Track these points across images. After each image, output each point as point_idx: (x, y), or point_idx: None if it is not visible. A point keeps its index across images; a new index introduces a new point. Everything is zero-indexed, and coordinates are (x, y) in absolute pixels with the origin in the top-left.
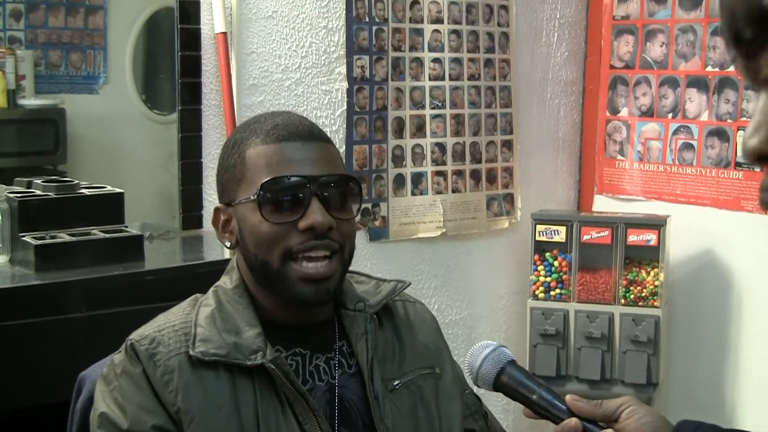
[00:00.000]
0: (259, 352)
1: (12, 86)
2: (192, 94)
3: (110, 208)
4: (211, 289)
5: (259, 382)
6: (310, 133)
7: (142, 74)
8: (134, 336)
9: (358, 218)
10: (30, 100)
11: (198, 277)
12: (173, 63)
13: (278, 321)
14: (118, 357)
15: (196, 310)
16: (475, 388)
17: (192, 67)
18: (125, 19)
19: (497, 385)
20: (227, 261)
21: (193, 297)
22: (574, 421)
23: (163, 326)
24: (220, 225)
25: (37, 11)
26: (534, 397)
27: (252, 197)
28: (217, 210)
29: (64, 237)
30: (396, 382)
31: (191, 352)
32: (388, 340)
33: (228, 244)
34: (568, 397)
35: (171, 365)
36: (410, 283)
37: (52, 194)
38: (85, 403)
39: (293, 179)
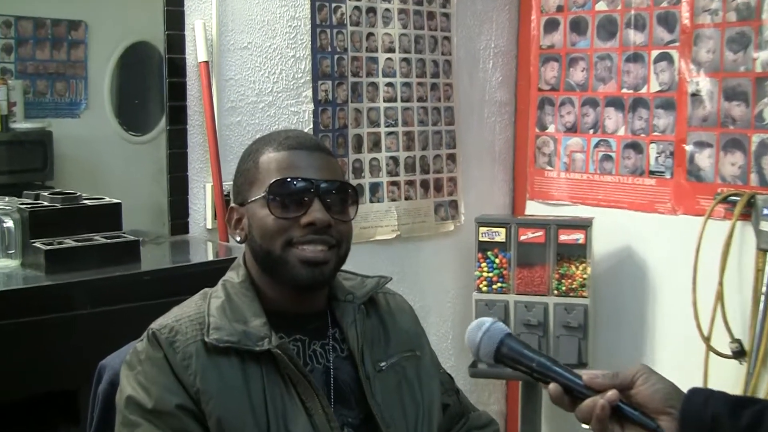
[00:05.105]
0: (266, 339)
1: (4, 112)
2: (178, 116)
3: (109, 216)
4: (220, 283)
5: (266, 365)
6: (316, 146)
7: (118, 100)
8: (155, 325)
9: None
10: (20, 124)
11: (187, 277)
12: (152, 89)
13: (280, 311)
14: (140, 345)
15: (207, 302)
16: (455, 365)
17: (178, 91)
18: (103, 53)
19: (498, 357)
20: (212, 262)
21: (202, 291)
22: (601, 402)
23: (180, 317)
24: (233, 222)
25: (26, 45)
26: (534, 364)
27: (262, 195)
28: (231, 209)
29: (70, 242)
30: (383, 364)
31: (206, 339)
32: (374, 327)
33: (238, 238)
34: (584, 376)
35: (189, 351)
36: (391, 278)
37: (58, 205)
38: (107, 388)
39: (299, 181)
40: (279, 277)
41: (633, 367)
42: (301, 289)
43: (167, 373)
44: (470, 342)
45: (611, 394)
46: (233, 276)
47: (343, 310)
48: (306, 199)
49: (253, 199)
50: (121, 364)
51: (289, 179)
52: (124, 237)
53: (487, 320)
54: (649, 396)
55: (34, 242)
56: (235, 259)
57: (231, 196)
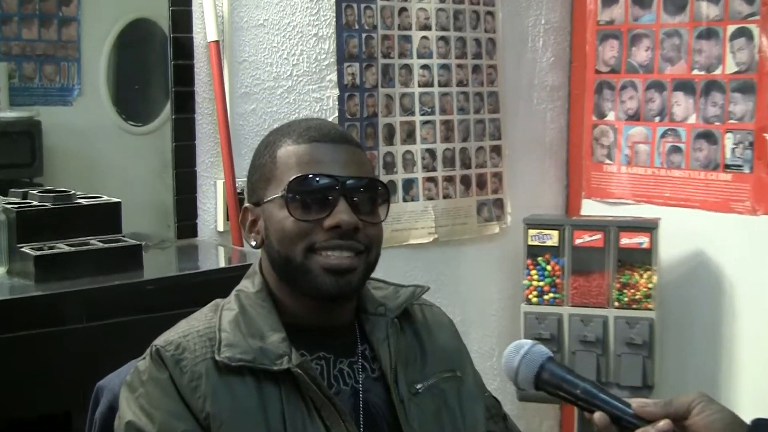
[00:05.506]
0: (285, 356)
1: None
2: (185, 103)
3: (107, 217)
4: (233, 293)
5: (285, 386)
6: (342, 137)
7: (116, 86)
8: (159, 342)
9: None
10: (5, 113)
11: (196, 286)
12: (155, 73)
13: (301, 324)
14: (142, 363)
15: (218, 314)
16: (497, 392)
17: (185, 75)
18: (99, 31)
19: (539, 384)
20: (224, 270)
21: (213, 302)
22: None
23: (187, 332)
24: (248, 224)
25: (10, 23)
26: (578, 391)
27: (280, 194)
28: (245, 210)
29: (63, 247)
30: (419, 386)
31: (218, 358)
32: (409, 344)
33: (253, 243)
34: (634, 404)
35: (198, 371)
36: (429, 288)
37: (49, 204)
38: (105, 412)
39: (322, 178)
40: (300, 287)
41: (688, 394)
42: (326, 301)
43: (173, 396)
44: (507, 367)
45: (663, 423)
46: (248, 285)
47: (374, 325)
48: (330, 198)
49: (270, 198)
50: (120, 386)
51: (310, 176)
52: (124, 241)
53: (526, 343)
54: (707, 426)
55: (21, 247)
56: (250, 266)
57: (245, 195)
